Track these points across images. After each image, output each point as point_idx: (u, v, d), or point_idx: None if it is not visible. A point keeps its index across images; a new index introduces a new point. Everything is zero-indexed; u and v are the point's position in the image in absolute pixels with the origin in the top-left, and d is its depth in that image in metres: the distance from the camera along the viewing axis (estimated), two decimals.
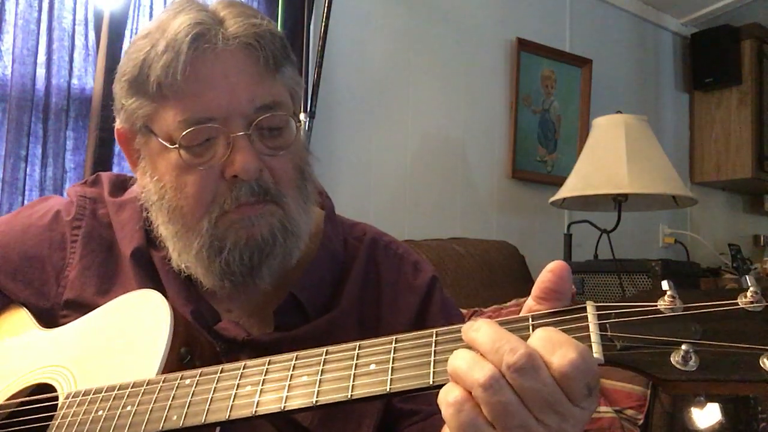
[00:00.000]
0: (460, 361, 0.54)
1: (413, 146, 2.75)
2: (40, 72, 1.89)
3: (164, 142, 0.81)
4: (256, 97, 0.81)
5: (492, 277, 2.40)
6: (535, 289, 0.58)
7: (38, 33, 1.89)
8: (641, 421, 1.96)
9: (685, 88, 3.88)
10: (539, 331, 0.54)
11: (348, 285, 0.91)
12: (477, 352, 0.54)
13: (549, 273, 0.57)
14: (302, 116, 2.26)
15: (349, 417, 0.85)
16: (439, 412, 0.85)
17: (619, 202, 2.66)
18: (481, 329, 0.54)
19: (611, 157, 2.57)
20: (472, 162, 2.93)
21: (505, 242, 2.63)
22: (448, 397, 0.54)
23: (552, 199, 2.74)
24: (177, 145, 0.80)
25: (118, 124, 0.88)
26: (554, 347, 0.52)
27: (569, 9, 3.29)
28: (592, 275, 2.71)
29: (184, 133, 0.79)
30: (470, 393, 0.53)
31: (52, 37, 1.91)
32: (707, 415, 1.98)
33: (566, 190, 2.66)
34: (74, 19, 1.95)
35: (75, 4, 1.95)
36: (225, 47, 0.80)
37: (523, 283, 2.51)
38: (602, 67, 3.33)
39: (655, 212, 3.31)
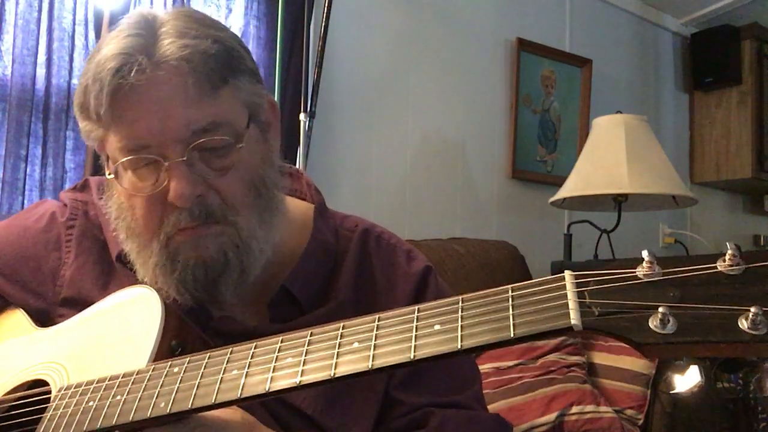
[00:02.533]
0: None
1: (413, 146, 2.75)
2: (40, 72, 1.90)
3: (110, 168, 0.83)
4: (192, 120, 0.79)
5: (492, 277, 2.40)
6: None
7: (38, 33, 1.89)
8: (641, 421, 1.96)
9: (685, 88, 3.88)
10: None
11: (342, 276, 0.92)
12: None
13: None
14: (302, 116, 2.27)
15: (352, 404, 0.85)
16: (430, 404, 0.86)
17: (619, 202, 2.66)
18: None
19: (611, 157, 2.57)
20: (472, 162, 2.93)
21: (505, 242, 2.63)
22: None
23: (552, 199, 2.74)
24: (118, 172, 0.81)
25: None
26: None
27: (569, 9, 3.29)
28: None
29: (122, 160, 0.80)
30: None
31: (52, 37, 1.91)
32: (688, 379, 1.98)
33: (566, 190, 2.66)
34: (74, 19, 1.95)
35: (75, 4, 1.95)
36: (151, 75, 0.78)
37: None
38: (602, 67, 3.33)
39: (655, 212, 3.31)
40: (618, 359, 2.05)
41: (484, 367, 2.00)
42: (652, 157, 2.59)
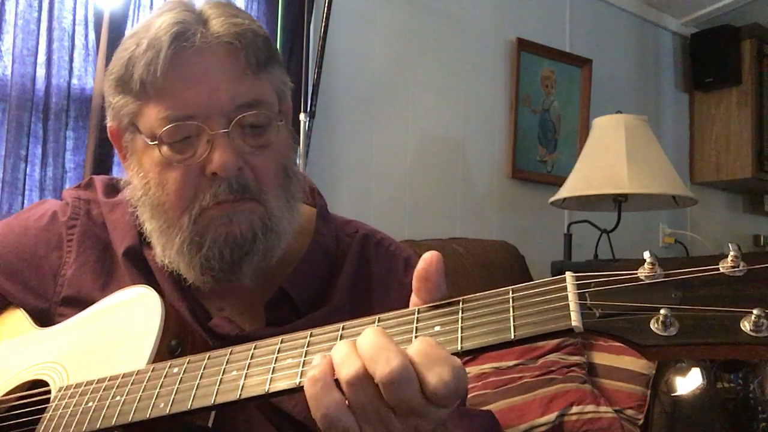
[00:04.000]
0: (336, 351, 0.57)
1: (413, 146, 2.75)
2: (40, 72, 1.90)
3: (147, 139, 0.83)
4: (237, 95, 0.82)
5: (492, 277, 2.40)
6: (413, 282, 0.62)
7: (38, 33, 1.89)
8: (641, 421, 1.96)
9: (685, 88, 3.88)
10: (418, 342, 0.56)
11: (339, 281, 0.92)
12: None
13: (421, 262, 0.61)
14: (302, 116, 2.27)
15: None
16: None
17: (619, 202, 2.66)
18: (364, 334, 0.57)
19: (611, 157, 2.57)
20: (472, 162, 2.93)
21: (505, 242, 2.63)
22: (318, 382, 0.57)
23: (552, 199, 2.74)
24: (158, 142, 0.82)
25: (108, 122, 0.90)
26: (431, 364, 0.54)
27: (569, 9, 3.29)
28: None
29: (164, 129, 0.81)
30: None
31: (52, 37, 1.91)
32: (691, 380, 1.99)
33: (566, 190, 2.66)
34: (74, 19, 1.95)
35: (75, 4, 1.95)
36: (206, 46, 0.81)
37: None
38: (602, 67, 3.33)
39: (655, 212, 3.31)
40: (618, 359, 2.05)
41: (484, 367, 2.00)
42: (652, 157, 2.59)
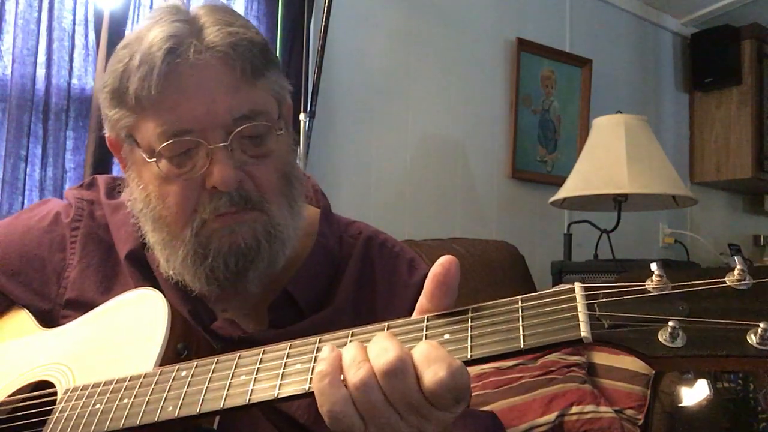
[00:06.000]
0: (346, 352, 0.59)
1: (413, 146, 2.75)
2: (40, 72, 1.90)
3: (145, 154, 0.82)
4: (234, 107, 0.80)
5: (492, 277, 2.40)
6: (427, 285, 0.62)
7: (38, 33, 1.89)
8: (641, 421, 1.96)
9: (685, 88, 3.88)
10: (422, 344, 0.57)
11: (343, 283, 0.92)
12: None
13: (439, 266, 0.61)
14: (302, 116, 2.27)
15: None
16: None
17: (619, 202, 2.66)
18: (375, 340, 0.59)
19: (611, 157, 2.57)
20: (472, 162, 2.93)
21: (505, 242, 2.63)
22: (325, 386, 0.58)
23: (552, 199, 2.74)
24: (156, 158, 0.81)
25: (105, 133, 0.89)
26: (429, 362, 0.55)
27: (569, 9, 3.29)
28: (592, 275, 2.71)
29: (162, 145, 0.80)
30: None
31: (52, 37, 1.91)
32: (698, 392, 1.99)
33: (566, 190, 2.66)
34: (74, 19, 1.95)
35: (75, 4, 1.95)
36: (200, 59, 0.79)
37: (523, 283, 2.52)
38: (602, 67, 3.33)
39: (655, 212, 3.32)
40: (618, 359, 2.05)
41: (484, 367, 2.00)
42: (652, 157, 2.59)
